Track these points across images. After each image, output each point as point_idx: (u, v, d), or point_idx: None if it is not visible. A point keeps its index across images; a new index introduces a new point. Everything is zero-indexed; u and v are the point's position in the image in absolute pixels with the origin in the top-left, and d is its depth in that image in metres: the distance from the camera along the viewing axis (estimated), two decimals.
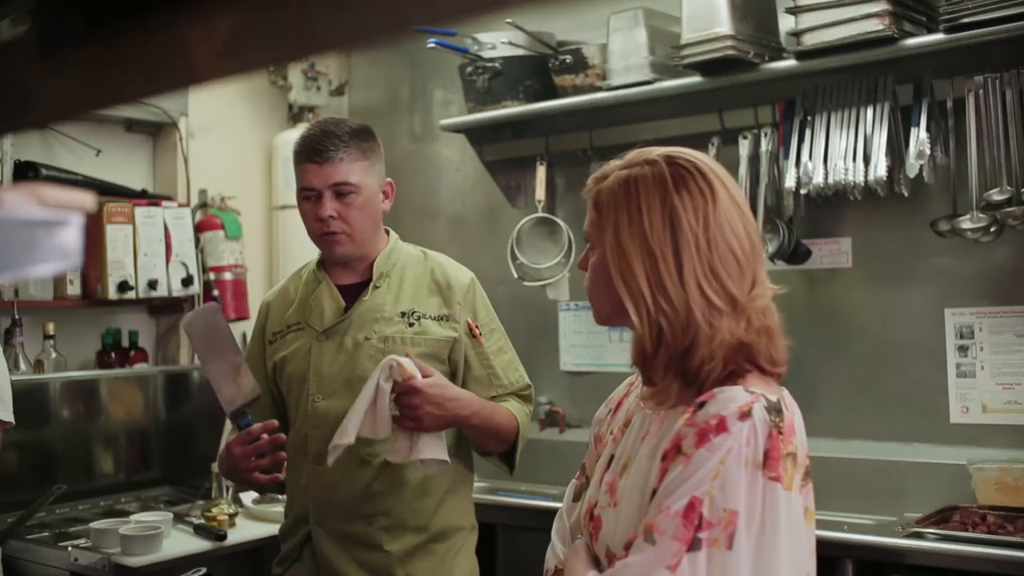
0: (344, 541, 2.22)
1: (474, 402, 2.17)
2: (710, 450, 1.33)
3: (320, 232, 2.22)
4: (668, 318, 1.39)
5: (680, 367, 1.41)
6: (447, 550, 2.26)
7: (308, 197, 2.22)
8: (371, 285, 2.27)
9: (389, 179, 2.32)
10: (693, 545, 1.31)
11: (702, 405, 1.38)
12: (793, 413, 1.42)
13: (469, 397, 2.17)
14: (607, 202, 1.45)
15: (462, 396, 2.14)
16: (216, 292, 3.72)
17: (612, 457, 1.55)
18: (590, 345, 3.61)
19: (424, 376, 2.04)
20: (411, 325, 2.25)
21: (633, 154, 1.49)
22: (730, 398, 1.36)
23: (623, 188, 1.43)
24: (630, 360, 1.47)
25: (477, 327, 2.28)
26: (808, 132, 2.92)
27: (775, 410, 1.37)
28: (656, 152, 1.48)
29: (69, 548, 2.74)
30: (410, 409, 2.02)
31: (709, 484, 1.32)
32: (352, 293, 2.29)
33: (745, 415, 1.34)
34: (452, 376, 2.29)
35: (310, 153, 2.20)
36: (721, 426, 1.34)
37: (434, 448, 2.05)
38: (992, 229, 2.69)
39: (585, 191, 1.53)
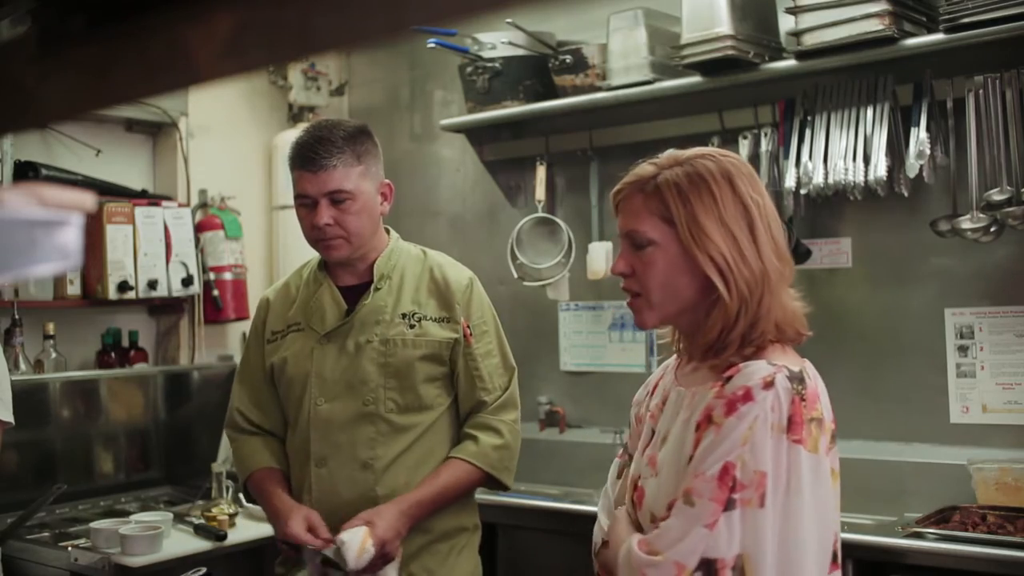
0: None
1: (413, 503, 2.17)
2: (738, 418, 1.47)
3: (316, 238, 2.22)
4: (749, 286, 1.54)
5: (747, 329, 1.55)
6: (450, 550, 2.26)
7: (303, 204, 2.21)
8: (372, 287, 2.26)
9: (387, 181, 2.30)
10: (728, 505, 1.45)
11: (729, 379, 1.52)
12: (816, 382, 1.56)
13: (408, 503, 2.17)
14: (674, 197, 1.56)
15: (401, 511, 2.15)
16: (216, 292, 3.72)
17: (653, 432, 1.67)
18: (590, 345, 3.61)
19: (370, 524, 2.10)
20: (412, 327, 2.24)
21: (667, 157, 1.62)
22: (754, 370, 1.50)
23: (690, 181, 1.57)
24: (709, 335, 1.57)
25: (469, 327, 2.27)
26: (808, 132, 2.92)
27: (797, 379, 1.51)
28: (696, 151, 1.62)
29: (69, 548, 2.74)
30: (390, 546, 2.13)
31: (740, 449, 1.46)
32: (353, 295, 2.28)
33: (769, 384, 1.48)
34: (451, 376, 2.29)
35: (303, 161, 2.19)
36: (747, 396, 1.48)
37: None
38: (992, 229, 2.69)
39: (623, 196, 1.62)
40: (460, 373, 2.27)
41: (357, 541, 2.06)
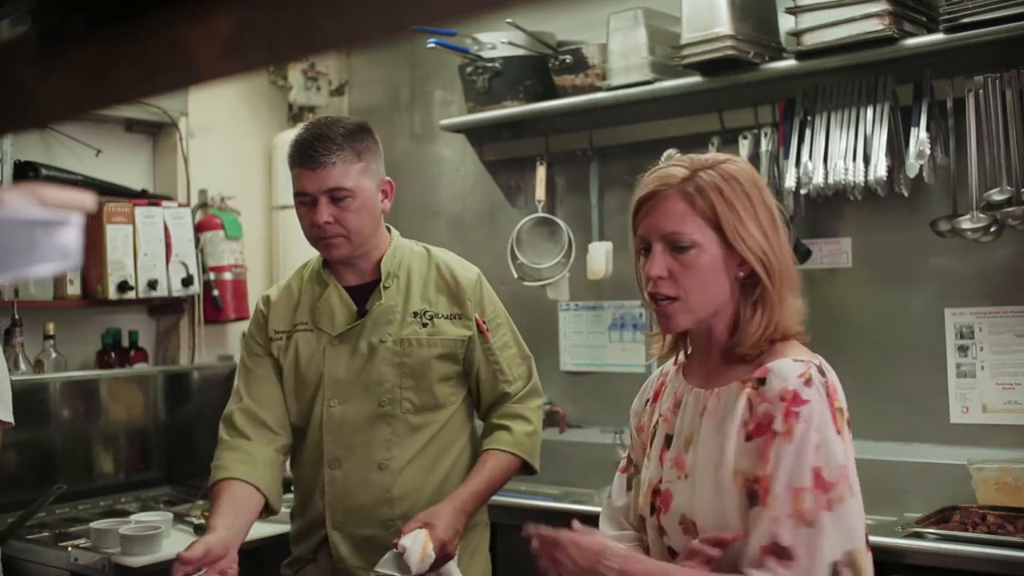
0: (362, 545, 2.20)
1: (468, 498, 2.16)
2: (806, 423, 1.50)
3: (316, 237, 2.19)
4: (781, 277, 1.60)
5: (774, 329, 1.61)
6: (463, 550, 2.23)
7: (303, 202, 2.18)
8: (380, 286, 2.24)
9: (388, 178, 2.27)
10: (830, 507, 1.48)
11: (762, 380, 1.54)
12: (833, 373, 1.60)
13: (463, 499, 2.16)
14: (719, 198, 1.58)
15: (457, 508, 2.13)
16: (216, 292, 3.72)
17: (668, 436, 1.67)
18: (590, 345, 3.61)
19: (428, 525, 2.06)
20: (424, 325, 2.22)
21: (695, 160, 1.64)
22: (784, 368, 1.54)
23: (727, 184, 1.60)
24: (753, 332, 1.59)
25: (484, 323, 2.26)
26: (808, 132, 2.92)
27: (821, 371, 1.56)
28: (715, 157, 1.66)
29: (69, 548, 2.74)
30: (450, 546, 2.11)
31: (818, 452, 1.49)
32: (359, 294, 2.25)
33: (809, 381, 1.52)
34: (466, 375, 2.28)
35: (302, 159, 2.16)
36: (797, 399, 1.51)
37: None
38: (992, 229, 2.69)
39: (660, 199, 1.61)
40: (480, 368, 2.26)
41: (419, 546, 2.02)
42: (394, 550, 2.03)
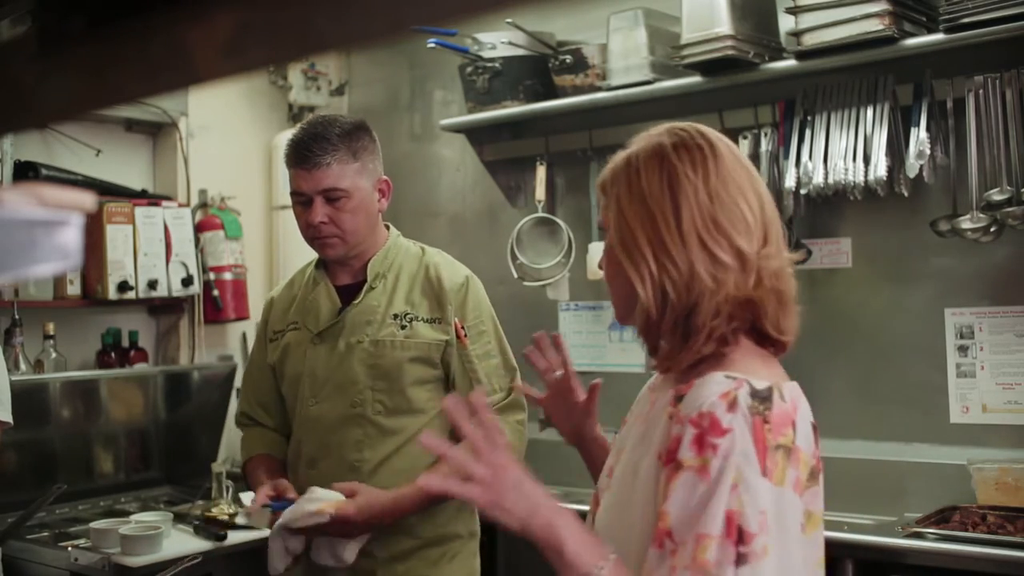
0: None
1: (411, 496, 2.12)
2: (722, 457, 1.21)
3: (312, 237, 2.20)
4: (671, 278, 1.29)
5: (685, 328, 1.30)
6: (440, 556, 2.22)
7: (299, 202, 2.19)
8: (366, 286, 2.24)
9: (385, 177, 2.27)
10: (739, 561, 1.19)
11: (681, 398, 1.29)
12: (794, 406, 1.29)
13: (403, 495, 2.12)
14: (611, 180, 1.39)
15: (393, 504, 2.12)
16: (216, 292, 3.72)
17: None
18: (590, 345, 3.61)
19: (351, 495, 2.06)
20: (403, 327, 2.20)
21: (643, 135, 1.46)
22: (710, 384, 1.26)
23: (624, 162, 1.39)
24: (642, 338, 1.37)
25: (463, 328, 2.22)
26: (808, 132, 2.92)
27: (762, 397, 1.25)
28: (658, 127, 1.45)
29: (69, 548, 2.74)
30: (348, 527, 2.09)
31: (733, 495, 1.20)
32: (350, 294, 2.26)
33: (733, 405, 1.23)
34: (445, 380, 2.24)
35: (298, 158, 2.16)
36: (715, 426, 1.23)
37: (353, 551, 2.13)
38: (992, 229, 2.69)
39: (598, 183, 1.46)
40: (456, 375, 2.22)
41: (317, 502, 2.05)
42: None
